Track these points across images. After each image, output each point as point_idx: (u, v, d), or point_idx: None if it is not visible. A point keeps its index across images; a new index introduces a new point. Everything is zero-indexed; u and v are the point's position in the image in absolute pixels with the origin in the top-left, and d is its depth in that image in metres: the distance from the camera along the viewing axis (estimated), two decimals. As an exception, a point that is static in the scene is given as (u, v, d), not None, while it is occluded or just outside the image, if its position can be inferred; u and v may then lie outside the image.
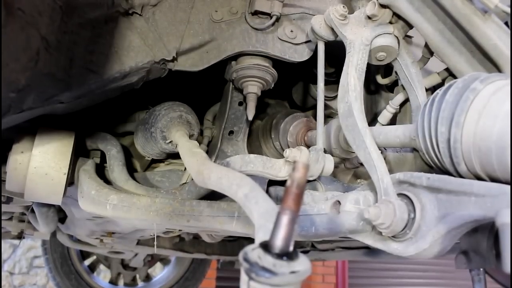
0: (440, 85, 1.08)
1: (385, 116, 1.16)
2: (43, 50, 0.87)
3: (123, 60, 1.05)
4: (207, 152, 1.36)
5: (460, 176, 0.75)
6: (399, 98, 1.13)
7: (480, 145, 0.68)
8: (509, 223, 0.54)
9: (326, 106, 1.50)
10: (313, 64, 1.23)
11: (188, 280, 3.61)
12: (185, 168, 1.33)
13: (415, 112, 1.05)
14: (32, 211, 1.72)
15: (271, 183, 1.22)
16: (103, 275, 3.97)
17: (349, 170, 1.51)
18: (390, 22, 1.04)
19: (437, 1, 0.93)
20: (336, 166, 1.25)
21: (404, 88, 1.10)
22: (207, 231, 1.86)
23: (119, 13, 1.06)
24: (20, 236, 2.48)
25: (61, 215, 1.82)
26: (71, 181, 1.23)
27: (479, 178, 0.72)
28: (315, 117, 1.14)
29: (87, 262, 3.47)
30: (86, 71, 1.00)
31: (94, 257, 3.54)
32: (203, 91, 1.58)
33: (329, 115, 1.56)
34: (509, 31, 0.88)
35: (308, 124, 1.36)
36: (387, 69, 1.31)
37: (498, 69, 0.90)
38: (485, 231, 1.10)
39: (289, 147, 1.22)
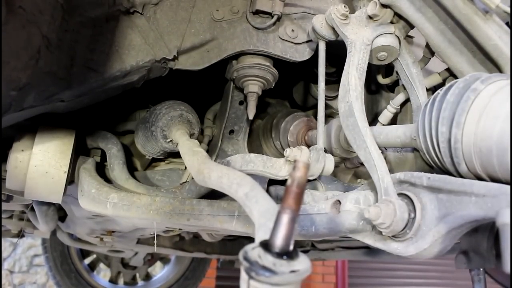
0: (441, 85, 1.08)
1: (385, 116, 1.16)
2: (44, 48, 0.87)
3: (124, 59, 1.05)
4: (207, 151, 1.36)
5: (461, 176, 0.75)
6: (399, 98, 1.13)
7: (481, 145, 0.68)
8: (509, 223, 0.54)
9: (327, 106, 1.50)
10: (314, 64, 1.23)
11: (188, 279, 3.61)
12: (186, 167, 1.33)
13: (415, 112, 1.05)
14: (32, 209, 1.72)
15: (272, 182, 1.22)
16: (103, 274, 3.97)
17: (350, 169, 1.51)
18: (391, 22, 1.04)
19: (438, 1, 0.93)
20: (336, 166, 1.25)
21: (405, 88, 1.10)
22: (207, 230, 1.86)
23: (120, 12, 1.06)
24: (20, 235, 2.48)
25: (61, 214, 1.82)
26: (71, 179, 1.23)
27: (479, 178, 0.72)
28: (315, 116, 1.14)
29: (87, 260, 3.47)
30: (87, 70, 1.00)
31: (94, 255, 3.54)
32: (203, 90, 1.58)
33: (330, 114, 1.56)
34: (509, 31, 0.88)
35: (308, 123, 1.36)
36: (388, 69, 1.31)
37: (499, 69, 0.90)
38: (485, 231, 1.10)
39: (289, 147, 1.22)
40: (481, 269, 1.14)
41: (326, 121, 1.12)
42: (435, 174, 0.75)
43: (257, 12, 1.20)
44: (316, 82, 1.12)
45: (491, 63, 0.92)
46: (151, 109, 1.28)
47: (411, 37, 1.33)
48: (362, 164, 1.03)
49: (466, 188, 0.68)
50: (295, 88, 1.66)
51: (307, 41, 1.24)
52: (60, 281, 3.23)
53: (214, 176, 0.86)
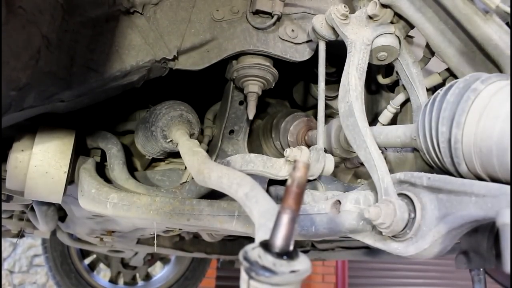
0: (441, 85, 1.08)
1: (386, 116, 1.16)
2: (44, 48, 0.87)
3: (124, 59, 1.05)
4: (207, 151, 1.36)
5: (461, 176, 0.75)
6: (400, 98, 1.13)
7: (481, 145, 0.68)
8: (509, 223, 0.54)
9: (327, 106, 1.50)
10: (314, 64, 1.23)
11: (188, 279, 3.61)
12: (186, 167, 1.33)
13: (415, 112, 1.05)
14: (32, 209, 1.72)
15: (272, 182, 1.22)
16: (103, 274, 3.97)
17: (350, 169, 1.51)
18: (392, 22, 1.04)
19: (438, 1, 0.93)
20: (336, 166, 1.25)
21: (405, 88, 1.09)
22: (207, 230, 1.86)
23: (120, 12, 1.06)
24: (20, 235, 2.47)
25: (61, 214, 1.82)
26: (71, 179, 1.23)
27: (479, 178, 0.72)
28: (315, 116, 1.14)
29: (87, 261, 3.47)
30: (87, 70, 1.00)
31: (94, 256, 3.54)
32: (203, 90, 1.58)
33: (330, 114, 1.56)
34: (509, 31, 0.88)
35: (308, 123, 1.36)
36: (388, 69, 1.31)
37: (499, 69, 0.90)
38: (485, 231, 1.09)
39: (289, 147, 1.22)
40: (481, 269, 1.14)
41: (326, 121, 1.12)
42: (435, 174, 0.75)
43: (257, 12, 1.20)
44: (316, 82, 1.12)
45: (491, 63, 0.92)
46: (151, 109, 1.28)
47: (411, 37, 1.33)
48: (362, 164, 1.03)
49: (466, 188, 0.68)
50: (295, 88, 1.66)
51: (307, 41, 1.24)
52: (60, 281, 3.23)
53: (214, 176, 0.86)
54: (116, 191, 1.13)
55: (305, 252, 2.52)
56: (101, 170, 1.29)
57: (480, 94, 0.71)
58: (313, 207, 0.91)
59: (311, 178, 1.04)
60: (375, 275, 6.14)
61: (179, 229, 1.79)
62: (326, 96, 1.39)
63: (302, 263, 0.47)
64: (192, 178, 1.19)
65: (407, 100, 1.12)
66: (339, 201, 0.87)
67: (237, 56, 1.24)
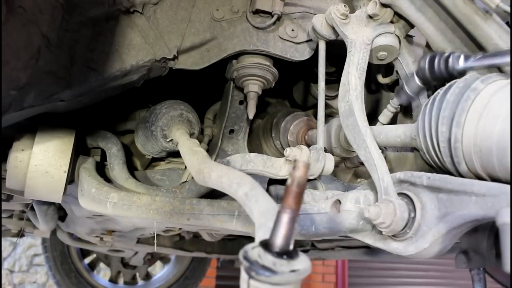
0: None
1: (386, 115, 1.16)
2: (44, 48, 0.87)
3: (124, 58, 1.05)
4: (207, 151, 1.36)
5: (461, 175, 0.75)
6: (400, 97, 1.13)
7: (481, 145, 0.68)
8: (509, 223, 0.54)
9: (327, 105, 1.50)
10: (314, 63, 1.23)
11: (188, 279, 3.61)
12: (186, 167, 1.33)
13: (415, 112, 1.05)
14: (32, 209, 1.72)
15: (272, 182, 1.22)
16: (103, 274, 3.97)
17: (350, 169, 1.51)
18: (392, 22, 1.04)
19: (438, 0, 0.93)
20: (336, 165, 1.25)
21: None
22: (207, 230, 1.86)
23: (120, 11, 1.06)
24: (20, 234, 2.47)
25: (61, 213, 1.82)
26: (71, 179, 1.23)
27: (479, 177, 0.72)
28: (315, 116, 1.14)
29: (87, 260, 3.47)
30: (86, 69, 1.00)
31: (94, 255, 3.54)
32: (203, 89, 1.58)
33: (330, 114, 1.56)
34: (510, 31, 0.88)
35: (308, 123, 1.36)
36: (388, 69, 1.31)
37: (499, 69, 0.90)
38: (485, 231, 1.10)
39: (289, 146, 1.22)
40: (481, 269, 1.14)
41: (326, 121, 1.12)
42: (435, 174, 0.75)
43: (257, 12, 1.20)
44: (316, 81, 1.12)
45: (491, 63, 0.92)
46: (151, 108, 1.28)
47: (411, 36, 1.33)
48: (362, 163, 1.03)
49: (466, 188, 0.68)
50: (295, 87, 1.66)
51: (307, 41, 1.24)
52: (60, 281, 3.23)
53: (214, 176, 0.86)
54: (116, 190, 1.13)
55: (305, 251, 2.52)
56: (101, 170, 1.29)
57: (480, 94, 0.71)
58: (313, 206, 0.91)
59: (311, 177, 1.04)
60: (375, 275, 6.14)
61: (179, 229, 1.79)
62: (326, 95, 1.39)
63: (302, 262, 0.47)
64: (192, 178, 1.19)
65: (407, 100, 1.12)
66: (339, 200, 0.87)
67: (237, 55, 1.24)
